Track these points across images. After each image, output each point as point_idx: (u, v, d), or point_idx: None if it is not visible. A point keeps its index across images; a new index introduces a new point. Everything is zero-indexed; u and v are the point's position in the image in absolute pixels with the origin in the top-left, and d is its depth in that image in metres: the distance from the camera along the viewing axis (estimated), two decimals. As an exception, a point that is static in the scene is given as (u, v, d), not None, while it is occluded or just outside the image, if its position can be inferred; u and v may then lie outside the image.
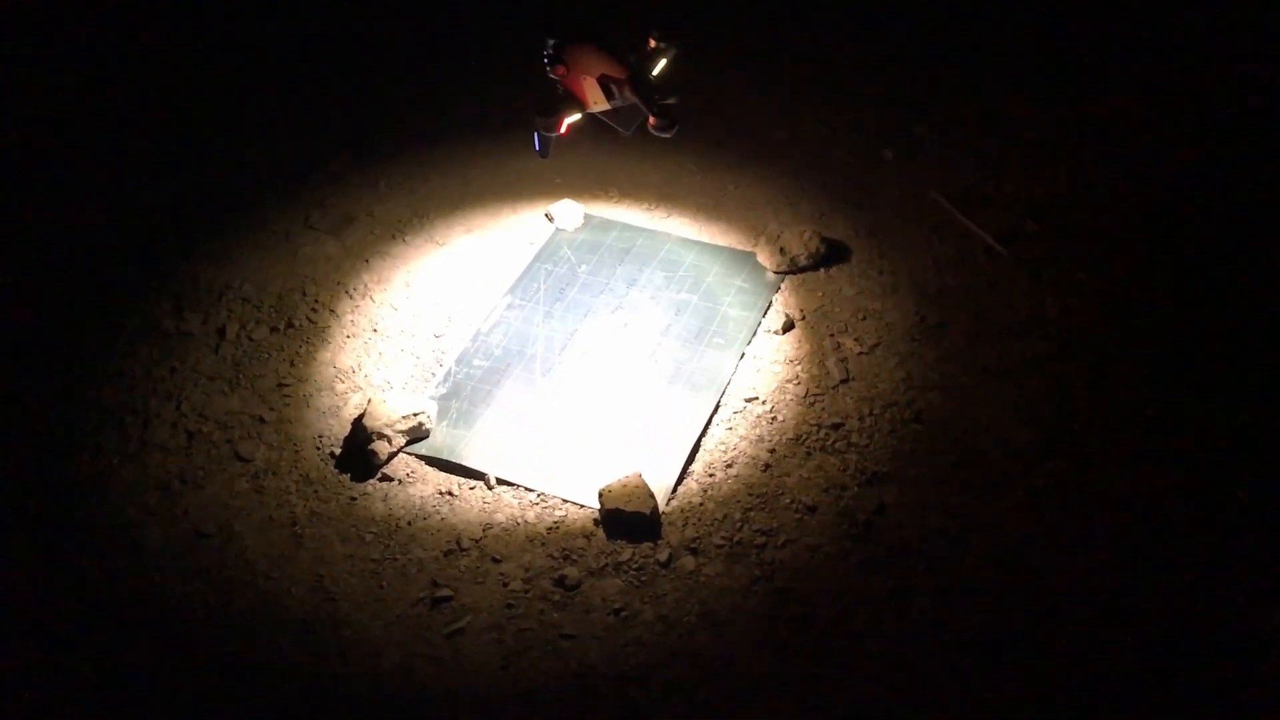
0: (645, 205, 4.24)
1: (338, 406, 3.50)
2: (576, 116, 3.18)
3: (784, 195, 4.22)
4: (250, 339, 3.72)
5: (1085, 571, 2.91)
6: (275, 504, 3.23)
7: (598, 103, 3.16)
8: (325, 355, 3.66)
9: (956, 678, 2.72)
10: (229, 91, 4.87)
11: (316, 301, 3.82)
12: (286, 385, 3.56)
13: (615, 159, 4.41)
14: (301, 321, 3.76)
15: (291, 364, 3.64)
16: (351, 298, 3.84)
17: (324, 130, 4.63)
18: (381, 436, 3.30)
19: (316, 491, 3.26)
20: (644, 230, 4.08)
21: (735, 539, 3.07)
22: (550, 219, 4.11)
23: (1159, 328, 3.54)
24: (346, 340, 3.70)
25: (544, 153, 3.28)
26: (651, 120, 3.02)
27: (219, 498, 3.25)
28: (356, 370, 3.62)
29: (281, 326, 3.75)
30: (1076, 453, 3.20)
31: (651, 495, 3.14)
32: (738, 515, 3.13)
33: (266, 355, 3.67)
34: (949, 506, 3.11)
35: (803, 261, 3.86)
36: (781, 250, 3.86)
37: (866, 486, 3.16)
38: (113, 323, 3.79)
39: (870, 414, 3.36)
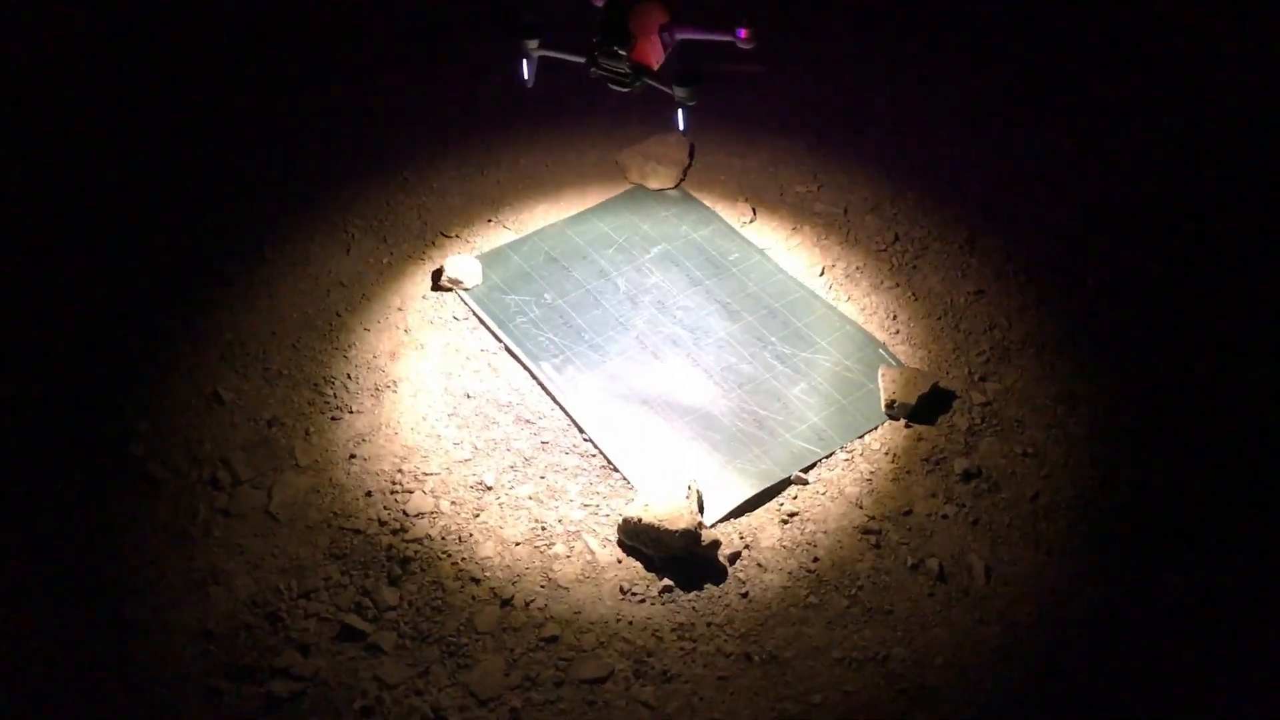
0: (490, 221, 3.77)
1: (606, 560, 2.85)
2: None
3: (576, 142, 4.03)
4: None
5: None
6: (703, 666, 2.64)
7: (658, 60, 2.87)
8: (488, 551, 2.87)
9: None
10: None
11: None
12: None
13: (398, 209, 3.80)
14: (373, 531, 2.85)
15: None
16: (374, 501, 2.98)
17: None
18: (700, 527, 2.82)
19: (711, 625, 2.71)
20: (534, 236, 3.68)
21: (996, 347, 3.28)
22: (452, 286, 3.50)
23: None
24: (500, 530, 2.92)
25: (687, 129, 2.89)
26: (744, 33, 2.84)
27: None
28: (546, 528, 2.92)
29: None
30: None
31: (920, 367, 3.19)
32: (970, 351, 3.30)
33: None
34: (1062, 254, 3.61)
35: (686, 163, 3.88)
36: (670, 166, 3.82)
37: (1017, 281, 3.49)
38: None
39: (917, 236, 3.67)
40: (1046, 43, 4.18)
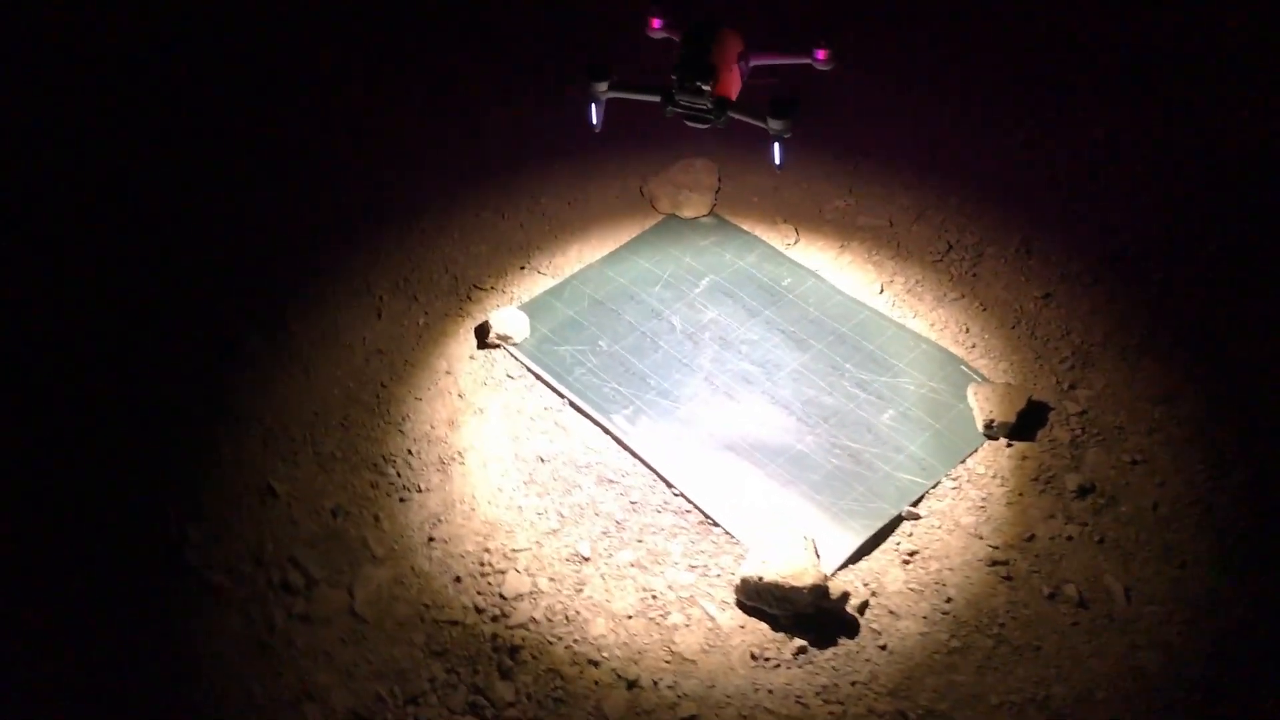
0: (522, 268, 3.57)
1: (729, 626, 2.67)
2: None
3: (593, 174, 3.83)
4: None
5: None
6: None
7: (737, 91, 2.71)
8: (600, 628, 2.68)
9: None
10: None
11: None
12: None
13: (422, 264, 3.57)
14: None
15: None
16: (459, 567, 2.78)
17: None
18: (826, 580, 2.67)
19: (855, 684, 2.56)
20: (573, 280, 3.49)
21: (1078, 351, 3.18)
22: (500, 342, 3.29)
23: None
24: (608, 604, 2.73)
25: (783, 164, 2.72)
26: (822, 54, 2.70)
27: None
28: (657, 596, 2.74)
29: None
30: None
31: (1016, 385, 3.08)
32: (1053, 358, 3.19)
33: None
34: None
35: (717, 188, 3.72)
36: (702, 193, 3.66)
37: (1083, 281, 3.39)
38: None
39: (962, 230, 3.56)
40: (1068, 36, 4.09)
